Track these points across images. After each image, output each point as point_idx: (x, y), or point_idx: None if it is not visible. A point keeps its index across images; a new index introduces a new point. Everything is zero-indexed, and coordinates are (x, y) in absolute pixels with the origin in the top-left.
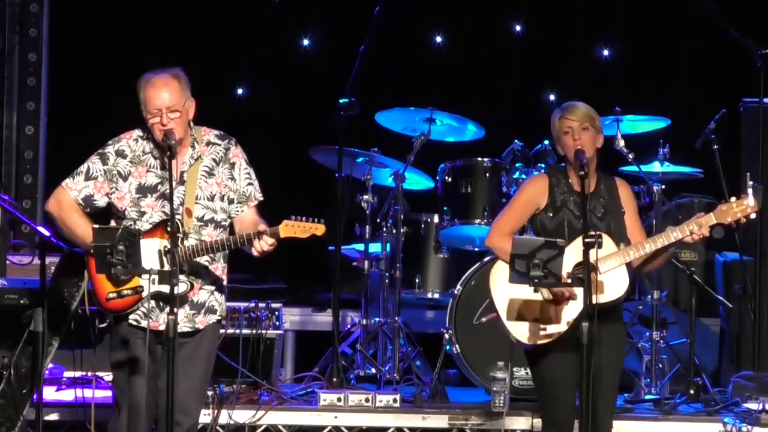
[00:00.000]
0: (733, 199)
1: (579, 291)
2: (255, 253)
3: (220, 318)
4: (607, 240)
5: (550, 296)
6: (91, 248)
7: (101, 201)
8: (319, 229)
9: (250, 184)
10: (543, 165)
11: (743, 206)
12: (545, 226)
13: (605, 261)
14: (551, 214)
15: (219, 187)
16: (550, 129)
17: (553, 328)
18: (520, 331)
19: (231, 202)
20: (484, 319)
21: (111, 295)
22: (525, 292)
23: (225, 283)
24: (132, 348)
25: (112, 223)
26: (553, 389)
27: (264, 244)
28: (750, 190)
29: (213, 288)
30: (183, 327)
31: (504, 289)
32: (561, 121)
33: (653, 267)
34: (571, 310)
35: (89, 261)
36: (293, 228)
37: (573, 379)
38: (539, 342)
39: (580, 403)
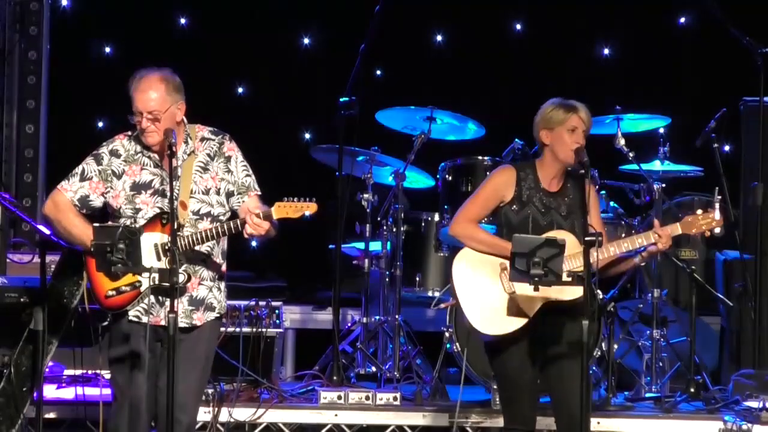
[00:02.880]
0: (699, 211)
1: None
2: (246, 234)
3: (219, 315)
4: (570, 240)
5: (512, 289)
6: (90, 247)
7: (97, 201)
8: (311, 207)
9: (248, 176)
10: None
11: (708, 219)
12: (510, 220)
13: (569, 260)
14: (516, 208)
15: (214, 181)
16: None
17: (514, 321)
18: (481, 320)
19: (230, 195)
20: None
21: (110, 293)
22: (487, 281)
23: (224, 279)
24: (132, 344)
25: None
26: (515, 383)
27: (255, 225)
28: (717, 204)
29: (212, 284)
30: (180, 322)
31: (466, 277)
32: (569, 117)
33: (615, 272)
34: (532, 303)
35: (87, 260)
36: (285, 208)
37: (533, 373)
38: (499, 333)
39: (552, 400)
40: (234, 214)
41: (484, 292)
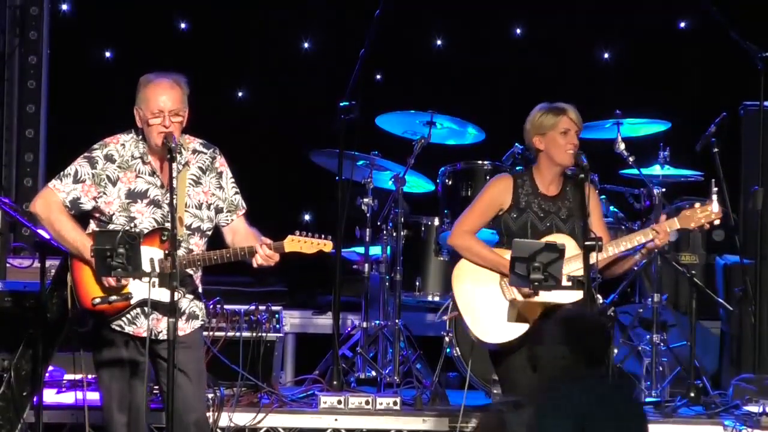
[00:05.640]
0: (697, 204)
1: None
2: (255, 264)
3: (203, 323)
4: (569, 243)
5: (513, 295)
6: (91, 253)
7: (88, 205)
8: (327, 245)
9: (237, 193)
10: None
11: (707, 212)
12: (509, 227)
13: (569, 263)
14: (515, 215)
15: (206, 196)
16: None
17: (516, 327)
18: (482, 329)
19: (219, 211)
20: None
21: (96, 300)
22: (487, 290)
23: (200, 290)
24: (121, 351)
25: (92, 226)
26: (519, 388)
27: (267, 258)
28: (714, 196)
29: (192, 296)
30: (165, 335)
31: (466, 288)
32: (560, 120)
33: (618, 271)
34: (533, 309)
35: (74, 263)
36: (298, 243)
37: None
38: (502, 341)
39: None
40: (217, 230)
41: (484, 301)
